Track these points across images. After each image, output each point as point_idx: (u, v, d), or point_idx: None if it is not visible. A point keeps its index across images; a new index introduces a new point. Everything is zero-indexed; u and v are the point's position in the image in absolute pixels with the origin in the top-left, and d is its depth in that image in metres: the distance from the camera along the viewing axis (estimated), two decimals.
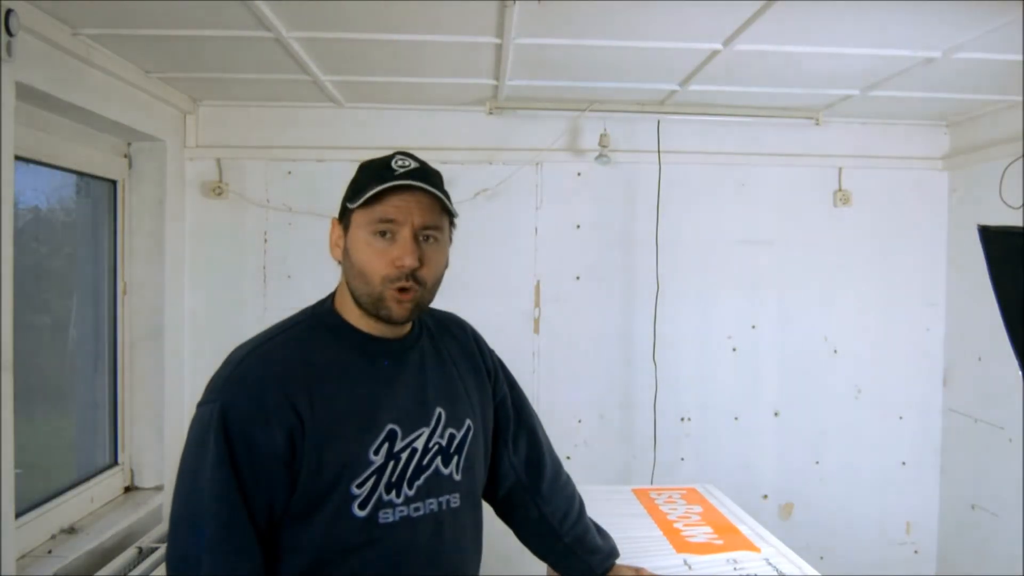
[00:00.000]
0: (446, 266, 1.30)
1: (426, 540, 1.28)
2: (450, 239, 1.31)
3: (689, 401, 3.21)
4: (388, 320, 1.25)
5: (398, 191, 1.21)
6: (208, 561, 1.14)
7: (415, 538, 1.26)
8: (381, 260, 1.22)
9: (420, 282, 1.23)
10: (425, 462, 1.28)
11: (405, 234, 1.21)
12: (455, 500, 1.32)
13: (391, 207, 1.21)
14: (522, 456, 1.51)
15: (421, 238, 1.23)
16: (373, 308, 1.24)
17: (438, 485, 1.30)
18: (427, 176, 1.25)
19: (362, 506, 1.22)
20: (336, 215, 1.30)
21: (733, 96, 2.86)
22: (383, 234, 1.22)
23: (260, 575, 1.18)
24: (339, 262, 1.30)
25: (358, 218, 1.23)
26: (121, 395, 2.79)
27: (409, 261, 1.21)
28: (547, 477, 1.53)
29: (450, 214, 1.27)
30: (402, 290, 1.22)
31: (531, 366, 3.15)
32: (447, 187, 1.29)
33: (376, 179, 1.23)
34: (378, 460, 1.23)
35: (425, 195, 1.23)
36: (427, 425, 1.30)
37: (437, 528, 1.29)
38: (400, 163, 1.24)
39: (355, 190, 1.25)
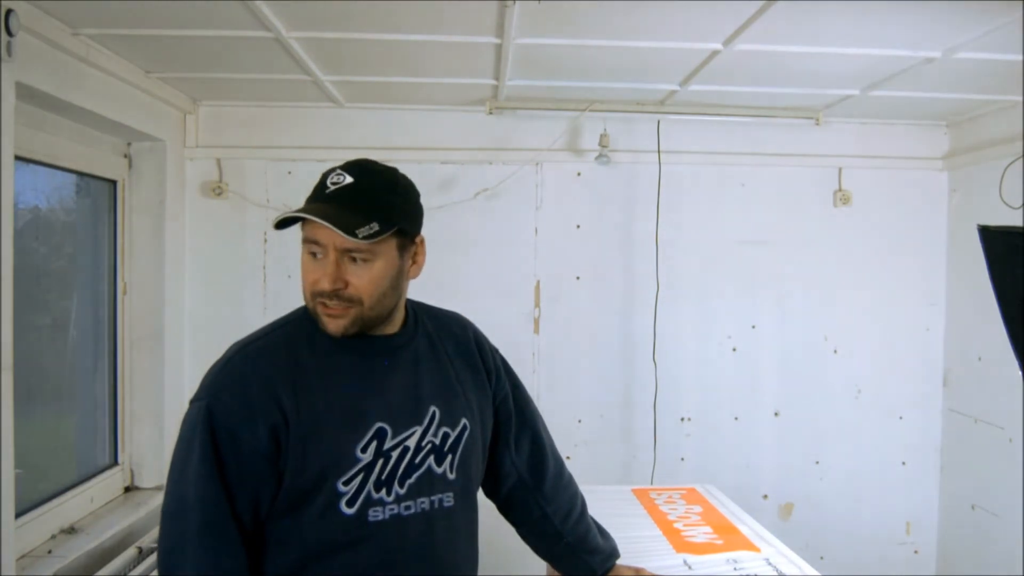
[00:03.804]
0: (395, 277, 1.26)
1: (417, 539, 1.28)
2: (401, 248, 1.27)
3: (689, 401, 3.21)
4: (326, 331, 1.25)
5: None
6: (192, 557, 1.16)
7: (405, 536, 1.27)
8: (309, 277, 1.24)
9: (351, 300, 1.23)
10: (417, 461, 1.29)
11: (328, 257, 1.21)
12: (448, 499, 1.32)
13: (314, 230, 1.21)
14: (524, 455, 1.51)
15: (348, 259, 1.22)
16: (316, 321, 1.26)
17: (430, 484, 1.30)
18: (354, 198, 1.22)
19: (350, 503, 1.23)
20: None
21: (733, 96, 2.86)
22: (313, 254, 1.23)
23: (243, 570, 1.19)
24: None
25: (302, 235, 1.25)
26: (121, 395, 2.79)
27: (324, 284, 1.21)
28: (549, 477, 1.53)
29: (392, 228, 1.23)
30: (327, 306, 1.23)
31: (531, 366, 3.15)
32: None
33: (311, 197, 1.25)
34: (366, 458, 1.24)
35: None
36: (420, 424, 1.30)
37: (428, 527, 1.29)
38: (334, 180, 1.24)
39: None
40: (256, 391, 1.20)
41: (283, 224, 1.23)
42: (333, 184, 1.23)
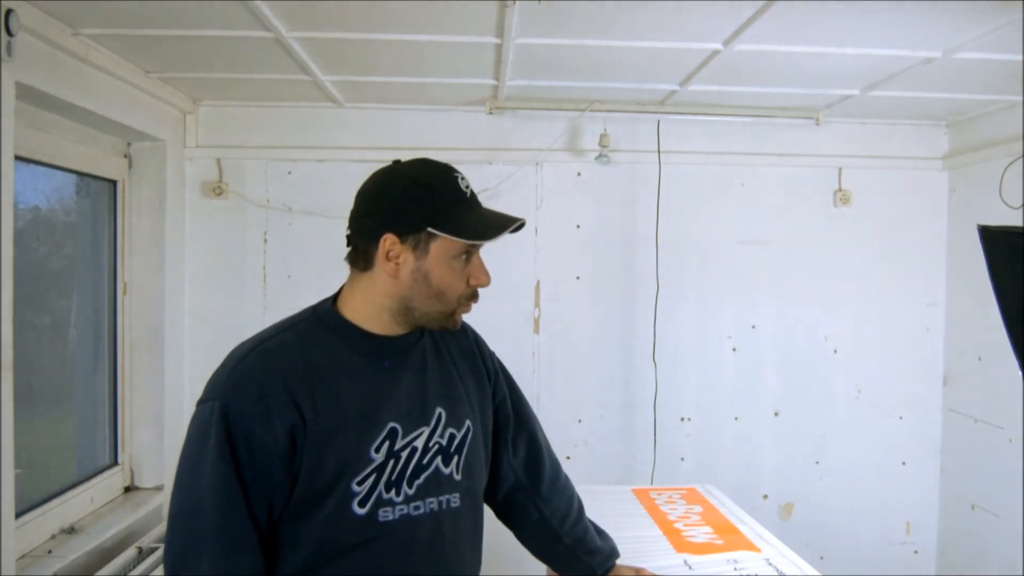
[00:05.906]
0: None
1: (425, 539, 1.28)
2: None
3: (689, 401, 3.21)
4: (452, 329, 1.33)
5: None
6: (207, 558, 1.14)
7: (414, 537, 1.27)
8: (460, 281, 1.29)
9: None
10: (425, 461, 1.29)
11: (478, 256, 1.30)
12: (455, 500, 1.32)
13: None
14: (521, 458, 1.51)
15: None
16: (440, 323, 1.31)
17: (438, 485, 1.30)
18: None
19: (362, 504, 1.22)
20: (391, 229, 1.23)
21: (733, 96, 2.86)
22: (467, 254, 1.28)
23: (259, 572, 1.18)
24: (392, 277, 1.26)
25: (444, 244, 1.25)
26: (121, 395, 2.79)
27: (487, 280, 1.31)
28: (546, 479, 1.53)
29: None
30: (467, 305, 1.32)
31: (531, 366, 3.15)
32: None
33: (459, 205, 1.26)
34: (379, 458, 1.23)
35: None
36: (427, 424, 1.30)
37: (436, 527, 1.29)
38: (466, 184, 1.28)
39: (439, 214, 1.23)
40: (272, 390, 1.19)
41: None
42: (467, 188, 1.28)
